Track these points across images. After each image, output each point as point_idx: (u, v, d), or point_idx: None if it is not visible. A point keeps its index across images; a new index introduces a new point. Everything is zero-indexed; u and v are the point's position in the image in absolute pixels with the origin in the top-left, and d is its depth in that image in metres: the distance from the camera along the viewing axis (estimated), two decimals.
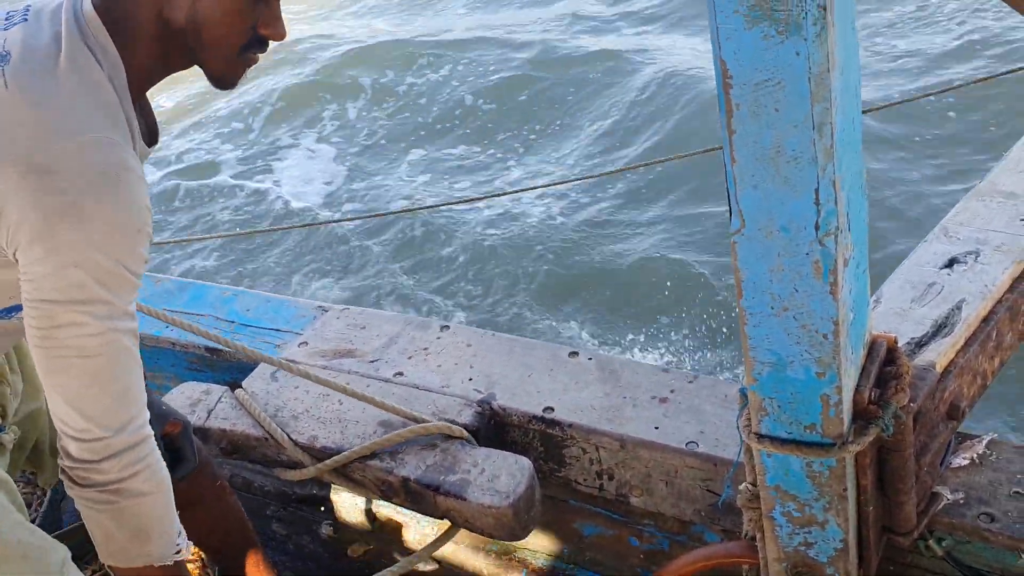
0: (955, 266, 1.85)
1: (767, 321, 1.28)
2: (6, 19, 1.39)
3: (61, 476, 1.37)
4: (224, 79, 1.44)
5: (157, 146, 1.55)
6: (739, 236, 1.22)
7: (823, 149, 1.11)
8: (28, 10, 1.40)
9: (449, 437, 2.06)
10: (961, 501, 1.65)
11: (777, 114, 1.09)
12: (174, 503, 1.45)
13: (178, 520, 1.46)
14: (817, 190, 1.13)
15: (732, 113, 1.13)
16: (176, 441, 1.82)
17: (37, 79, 1.30)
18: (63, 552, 1.57)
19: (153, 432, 1.39)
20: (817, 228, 1.17)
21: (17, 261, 1.27)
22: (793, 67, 1.05)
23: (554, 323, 4.81)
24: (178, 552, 1.46)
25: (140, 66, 1.40)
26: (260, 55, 1.43)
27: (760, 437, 1.42)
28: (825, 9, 1.02)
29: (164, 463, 1.41)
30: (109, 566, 1.44)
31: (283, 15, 1.40)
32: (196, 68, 1.45)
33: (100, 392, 1.29)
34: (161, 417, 1.81)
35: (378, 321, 2.54)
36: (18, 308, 1.45)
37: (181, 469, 1.83)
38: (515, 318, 4.94)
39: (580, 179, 5.81)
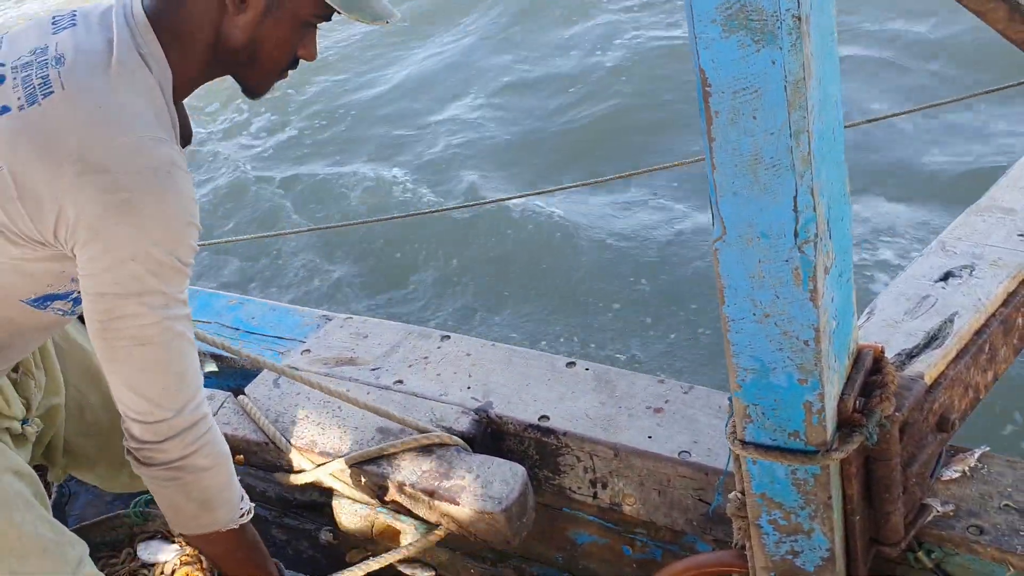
0: (950, 279, 1.86)
1: (749, 327, 1.30)
2: (54, 23, 1.43)
3: (127, 457, 1.45)
4: (258, 91, 1.52)
5: (189, 147, 1.60)
6: (720, 243, 1.24)
7: (800, 156, 1.12)
8: (76, 15, 1.45)
9: (446, 445, 2.08)
10: (951, 513, 1.65)
11: (755, 122, 1.11)
12: (234, 471, 1.53)
13: (239, 485, 1.55)
14: (795, 197, 1.15)
15: (712, 121, 1.15)
16: None
17: (91, 82, 1.34)
18: (81, 548, 1.60)
19: (209, 408, 1.47)
20: (796, 235, 1.18)
21: (75, 256, 1.33)
22: (769, 76, 1.07)
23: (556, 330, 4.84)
24: (242, 515, 1.56)
25: (186, 74, 1.46)
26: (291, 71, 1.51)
27: (744, 444, 1.43)
28: (800, 20, 1.04)
29: (222, 436, 1.49)
30: (183, 535, 1.57)
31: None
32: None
33: (159, 377, 1.37)
34: None
35: (380, 330, 2.56)
36: (54, 298, 1.50)
37: None
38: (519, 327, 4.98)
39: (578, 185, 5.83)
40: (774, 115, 1.09)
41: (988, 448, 1.78)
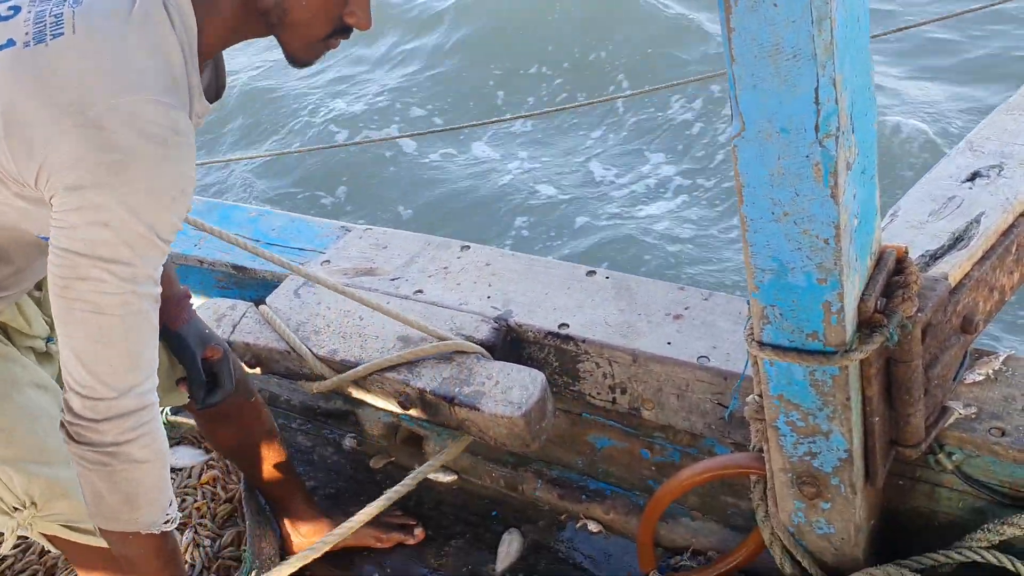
0: (977, 180, 1.81)
1: (767, 227, 1.27)
2: None
3: (60, 431, 1.36)
4: (300, 59, 1.42)
5: (220, 100, 1.53)
6: (739, 139, 1.21)
7: (822, 45, 1.08)
8: None
9: (465, 352, 2.09)
10: (973, 416, 1.64)
11: (775, 9, 1.07)
12: (168, 473, 1.43)
13: (171, 491, 1.44)
14: (817, 89, 1.11)
15: (731, 10, 1.10)
16: (214, 367, 1.85)
17: (105, 29, 1.26)
18: None
19: (157, 400, 1.37)
20: (817, 129, 1.14)
21: (52, 205, 1.27)
22: None
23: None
24: (166, 522, 1.44)
25: (214, 33, 1.37)
26: (343, 40, 1.41)
27: (762, 345, 1.42)
28: None
29: (164, 434, 1.39)
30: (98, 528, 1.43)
31: (370, 5, 1.38)
32: None
33: (109, 351, 1.28)
34: (203, 341, 1.84)
35: (399, 241, 2.55)
36: None
37: (217, 395, 1.86)
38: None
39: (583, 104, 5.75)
40: (795, 0, 1.05)
41: (1013, 351, 1.76)
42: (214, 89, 1.51)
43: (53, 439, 1.51)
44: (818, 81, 1.11)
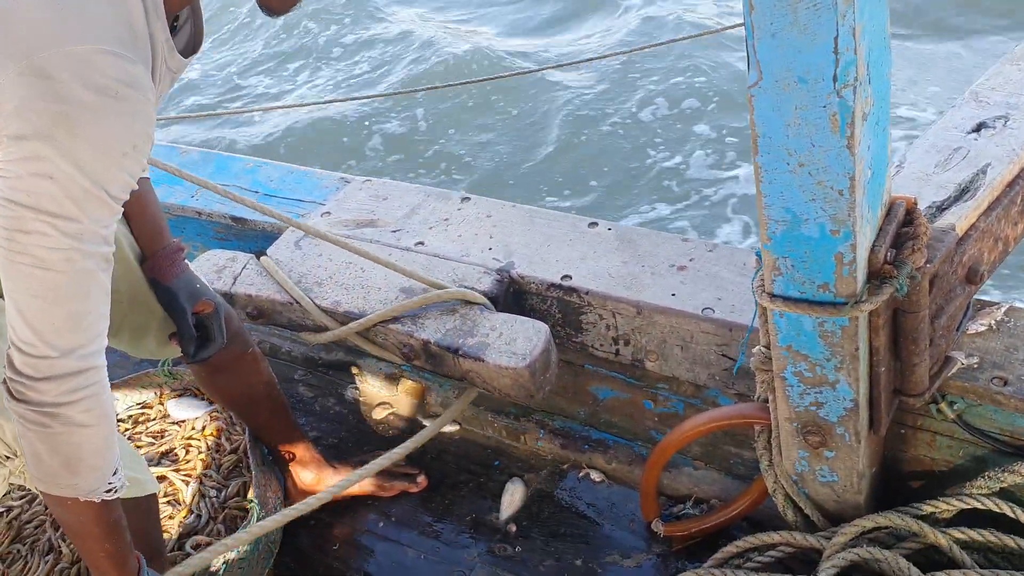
0: (983, 131, 1.81)
1: (782, 178, 1.27)
2: None
3: (1, 387, 1.32)
4: (273, 7, 1.38)
5: (197, 55, 1.47)
6: (756, 89, 1.20)
7: None
8: None
9: (469, 303, 2.09)
10: (975, 365, 1.65)
11: None
12: (115, 440, 1.37)
13: (117, 459, 1.38)
14: (836, 38, 1.10)
15: None
16: (205, 320, 1.85)
17: None
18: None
19: (105, 363, 1.32)
20: (835, 79, 1.14)
21: None
22: None
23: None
24: (109, 491, 1.38)
25: None
26: None
27: (773, 297, 1.43)
28: None
29: (111, 400, 1.34)
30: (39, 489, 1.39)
31: None
32: None
33: (53, 309, 1.23)
34: (194, 295, 1.84)
35: (400, 192, 2.54)
36: None
37: (208, 349, 1.86)
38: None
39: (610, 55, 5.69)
40: None
41: (1016, 301, 1.77)
42: (192, 44, 1.46)
43: None
44: (838, 30, 1.10)
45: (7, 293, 1.25)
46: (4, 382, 1.30)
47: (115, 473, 1.39)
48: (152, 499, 1.77)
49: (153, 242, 1.82)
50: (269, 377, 2.11)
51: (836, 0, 1.07)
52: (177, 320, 1.82)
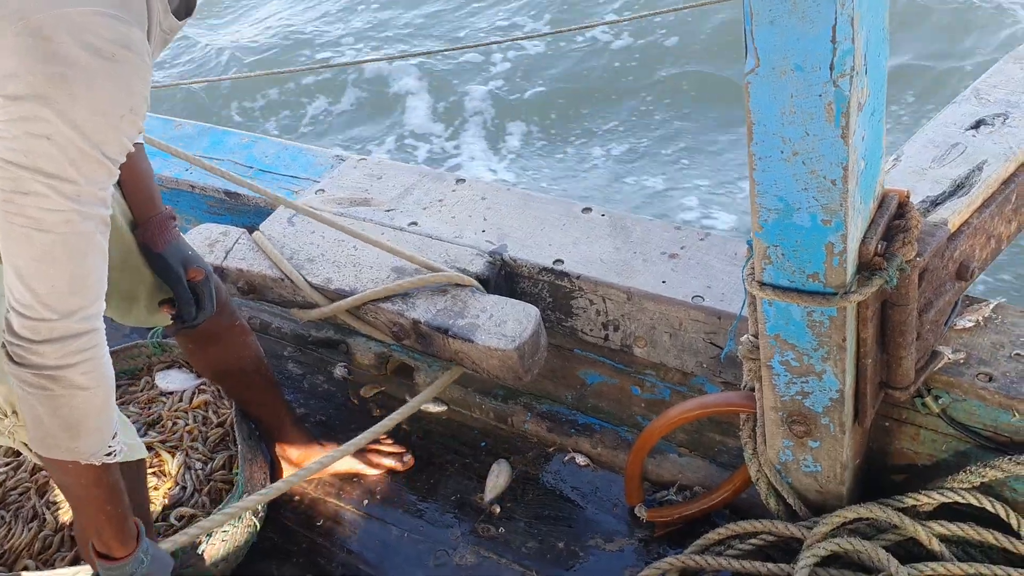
0: (981, 127, 1.81)
1: (776, 166, 1.27)
2: None
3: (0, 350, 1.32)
4: None
5: (191, 17, 1.47)
6: (753, 76, 1.20)
7: None
8: None
9: (460, 285, 2.09)
10: (961, 361, 1.66)
11: None
12: (114, 403, 1.38)
13: (116, 423, 1.40)
14: (834, 27, 1.10)
15: None
16: (197, 288, 1.85)
17: None
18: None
19: (104, 326, 1.32)
20: (832, 68, 1.14)
21: None
22: None
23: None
24: (109, 454, 1.39)
25: None
26: None
27: (763, 285, 1.43)
28: None
29: (110, 362, 1.34)
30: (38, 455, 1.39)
31: None
32: None
33: (52, 271, 1.23)
34: (185, 263, 1.83)
35: (394, 172, 2.53)
36: None
37: (200, 316, 1.86)
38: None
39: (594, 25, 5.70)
40: None
41: (1004, 300, 1.78)
42: (184, 6, 1.45)
43: None
44: (836, 19, 1.10)
45: (5, 256, 1.25)
46: (3, 346, 1.30)
47: (114, 437, 1.40)
48: (141, 465, 1.77)
49: (145, 209, 1.81)
50: (257, 350, 2.11)
51: None
52: (173, 286, 1.82)
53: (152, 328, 2.37)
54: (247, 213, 2.59)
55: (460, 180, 2.47)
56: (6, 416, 1.52)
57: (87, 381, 1.30)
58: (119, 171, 1.28)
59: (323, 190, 2.48)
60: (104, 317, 1.34)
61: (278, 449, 2.19)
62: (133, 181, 1.79)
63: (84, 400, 1.31)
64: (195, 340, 2.02)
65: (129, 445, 1.53)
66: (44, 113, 1.17)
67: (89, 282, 1.27)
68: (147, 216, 1.82)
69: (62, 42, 1.16)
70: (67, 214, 1.21)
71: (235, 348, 2.06)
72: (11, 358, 1.28)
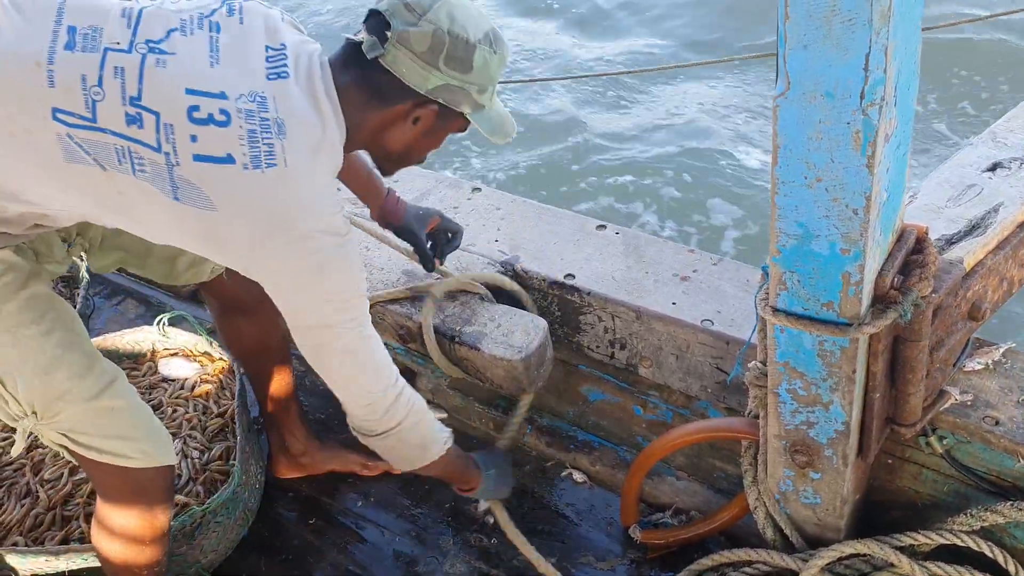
0: (998, 170, 1.81)
1: (799, 191, 1.27)
2: (268, 62, 1.43)
3: (355, 432, 1.72)
4: (388, 174, 1.75)
5: None
6: (782, 99, 1.20)
7: (880, 12, 1.07)
8: (285, 57, 1.45)
9: (470, 292, 2.09)
10: (968, 403, 1.66)
11: None
12: (434, 421, 1.79)
13: (438, 425, 1.80)
14: (868, 55, 1.10)
15: None
16: (433, 236, 2.11)
17: (308, 164, 1.44)
18: (112, 374, 1.62)
19: (404, 383, 1.69)
20: (862, 96, 1.14)
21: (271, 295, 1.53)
22: None
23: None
24: (446, 443, 1.80)
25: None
26: None
27: (776, 311, 1.43)
28: None
29: (418, 399, 1.72)
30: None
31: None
32: None
33: (365, 372, 1.61)
34: (421, 220, 2.05)
35: (411, 176, 2.54)
36: None
37: (450, 247, 2.10)
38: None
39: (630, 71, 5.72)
40: None
41: (1014, 344, 1.78)
42: None
43: (52, 346, 1.53)
44: (870, 47, 1.10)
45: (329, 378, 1.62)
46: (354, 429, 1.72)
47: (441, 431, 1.80)
48: None
49: (376, 198, 2.05)
50: (284, 333, 2.10)
51: (872, 16, 1.07)
52: (414, 244, 2.06)
53: (159, 314, 2.37)
54: None
55: (476, 189, 2.47)
56: (26, 416, 1.55)
57: (415, 419, 1.71)
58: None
59: (340, 189, 2.48)
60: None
61: (279, 440, 2.18)
62: (358, 179, 2.02)
63: (420, 429, 1.74)
64: (227, 309, 2.04)
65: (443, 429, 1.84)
66: (319, 288, 1.50)
67: (384, 362, 1.64)
68: (379, 203, 2.05)
69: (317, 240, 1.45)
70: (357, 333, 1.57)
71: (264, 324, 2.05)
72: (366, 434, 1.70)
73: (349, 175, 2.00)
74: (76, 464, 2.07)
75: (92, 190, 1.41)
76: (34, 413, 1.54)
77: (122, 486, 1.66)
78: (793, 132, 1.22)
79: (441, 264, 2.11)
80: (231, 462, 2.07)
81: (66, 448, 1.60)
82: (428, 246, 2.08)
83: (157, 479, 1.68)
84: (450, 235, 2.09)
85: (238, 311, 2.00)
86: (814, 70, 1.15)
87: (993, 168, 1.82)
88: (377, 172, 2.00)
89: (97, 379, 1.58)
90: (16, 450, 1.63)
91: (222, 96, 1.38)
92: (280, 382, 2.11)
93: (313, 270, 1.48)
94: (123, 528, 1.69)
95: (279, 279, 1.50)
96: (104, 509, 1.69)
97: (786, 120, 1.21)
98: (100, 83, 1.35)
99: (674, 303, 1.99)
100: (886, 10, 1.08)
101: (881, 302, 1.39)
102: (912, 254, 1.43)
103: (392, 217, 2.06)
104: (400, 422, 1.68)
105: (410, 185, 2.48)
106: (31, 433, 1.59)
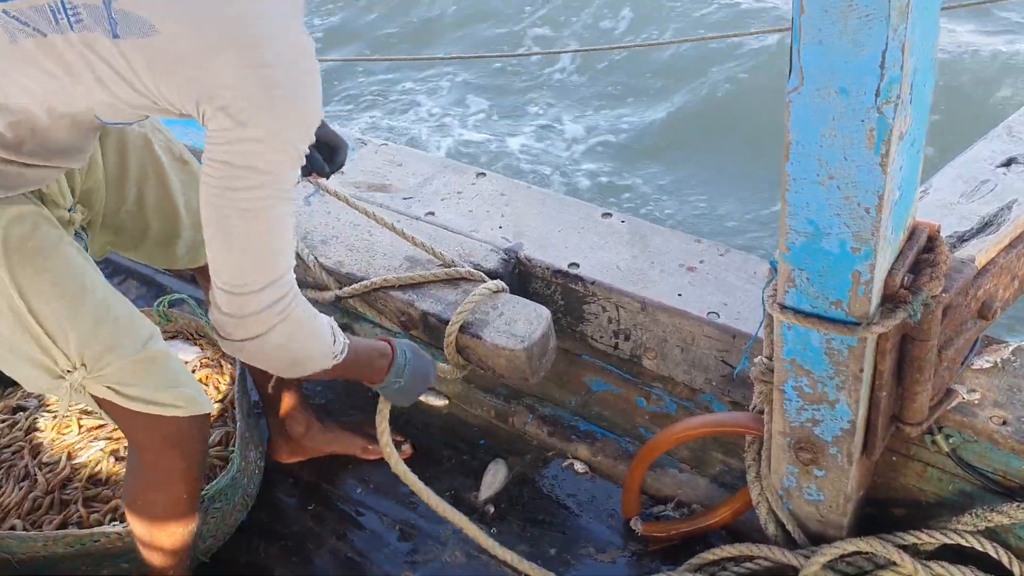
0: (1012, 166, 1.78)
1: (810, 188, 1.24)
2: None
3: (211, 332, 1.52)
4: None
5: None
6: (795, 94, 1.17)
7: (898, 8, 1.04)
8: None
9: (473, 280, 2.06)
10: (976, 402, 1.63)
11: None
12: (321, 331, 1.54)
13: (328, 340, 1.57)
14: (885, 52, 1.07)
15: None
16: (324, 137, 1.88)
17: None
18: (151, 327, 1.62)
19: (294, 281, 1.47)
20: (878, 94, 1.11)
21: (206, 124, 1.32)
22: None
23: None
24: (335, 357, 1.59)
25: None
26: None
27: (784, 308, 1.40)
28: None
29: (306, 308, 1.49)
30: None
31: None
32: None
33: (258, 250, 1.38)
34: None
35: (415, 160, 2.51)
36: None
37: (338, 156, 1.91)
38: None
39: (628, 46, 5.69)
40: None
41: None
42: None
43: (96, 296, 1.53)
44: (887, 44, 1.07)
45: (212, 242, 1.39)
46: (212, 328, 1.48)
47: (336, 342, 1.59)
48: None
49: None
50: None
51: (890, 12, 1.04)
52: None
53: (160, 296, 2.35)
54: None
55: (481, 174, 2.44)
56: (76, 368, 1.53)
57: (285, 339, 1.46)
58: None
59: (342, 172, 2.45)
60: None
61: (279, 424, 2.17)
62: None
63: (292, 350, 1.50)
64: None
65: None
66: (261, 126, 1.30)
67: (285, 254, 1.42)
68: None
69: (275, 62, 1.29)
70: (271, 201, 1.35)
71: None
72: (223, 336, 1.46)
73: None
74: (77, 447, 2.07)
75: (42, 65, 1.33)
76: (83, 366, 1.52)
77: (163, 439, 1.64)
78: (806, 128, 1.19)
79: (326, 179, 1.96)
80: (230, 448, 2.05)
81: (109, 402, 1.57)
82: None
83: (196, 428, 1.67)
84: (331, 149, 1.89)
85: None
86: (829, 66, 1.12)
87: (1008, 163, 1.79)
88: None
89: (140, 330, 1.58)
90: (64, 407, 1.64)
91: None
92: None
93: (261, 103, 1.29)
94: (162, 485, 1.68)
95: (226, 109, 1.29)
96: (140, 469, 1.69)
97: (799, 116, 1.18)
98: None
99: (680, 294, 1.97)
100: (905, 6, 1.05)
101: (891, 301, 1.37)
102: (923, 252, 1.41)
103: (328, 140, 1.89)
104: (263, 335, 1.43)
105: (413, 169, 2.45)
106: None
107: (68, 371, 1.52)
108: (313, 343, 1.54)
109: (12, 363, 1.53)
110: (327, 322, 1.58)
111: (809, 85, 1.15)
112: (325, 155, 1.88)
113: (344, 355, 1.62)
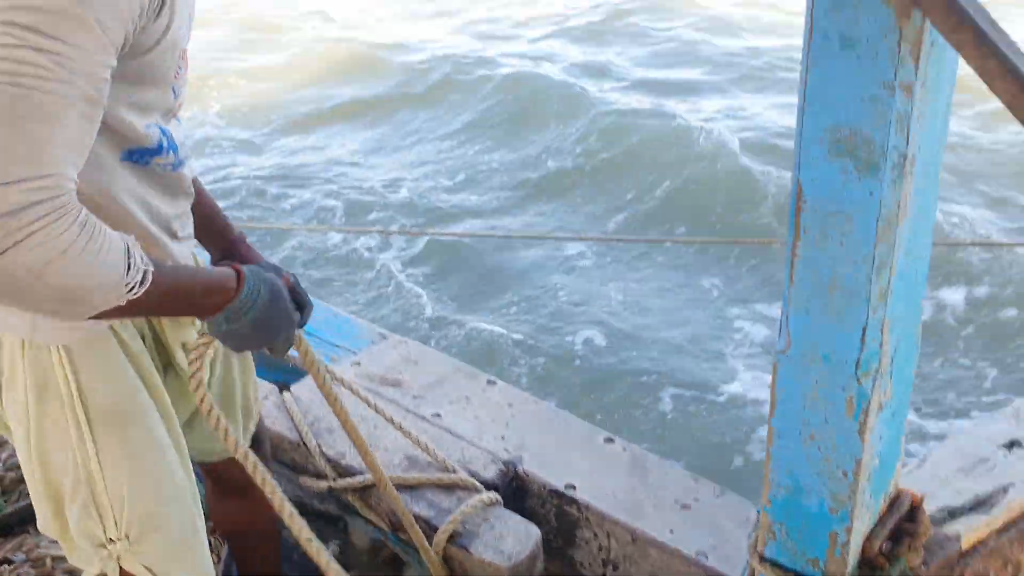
0: (1015, 449, 1.80)
1: (793, 445, 1.28)
2: None
3: None
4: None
5: None
6: (783, 356, 1.24)
7: (878, 290, 1.12)
8: None
9: (469, 489, 2.08)
10: None
11: (841, 248, 1.12)
12: (105, 256, 1.11)
13: (120, 261, 1.14)
14: (864, 328, 1.14)
15: (800, 237, 1.15)
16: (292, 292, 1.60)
17: None
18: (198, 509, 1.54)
19: (73, 188, 1.09)
20: (857, 366, 1.17)
21: None
22: (865, 206, 1.08)
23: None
24: (131, 289, 1.15)
25: None
26: None
27: (763, 560, 1.41)
28: (906, 159, 1.05)
29: (93, 227, 1.10)
30: None
31: None
32: None
33: (7, 131, 1.03)
34: (276, 271, 1.58)
35: (430, 360, 2.59)
36: (150, 152, 1.32)
37: (306, 313, 1.64)
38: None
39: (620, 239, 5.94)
40: (861, 245, 1.09)
41: None
42: None
43: (173, 475, 1.48)
44: (867, 322, 1.14)
45: None
46: None
47: (130, 270, 1.15)
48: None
49: (226, 231, 1.69)
50: (276, 518, 2.06)
51: (870, 294, 1.12)
52: None
53: None
54: (282, 369, 2.64)
55: (491, 382, 2.51)
56: (119, 540, 1.44)
57: (40, 262, 1.04)
58: (116, 48, 1.13)
59: (359, 363, 2.54)
60: None
61: None
62: (202, 205, 1.63)
63: (52, 277, 1.06)
64: (221, 486, 2.00)
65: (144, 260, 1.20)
66: None
67: (57, 150, 1.06)
68: (230, 238, 1.70)
69: None
70: (38, 68, 1.03)
71: (257, 506, 1.99)
72: None
73: (200, 207, 1.59)
74: None
75: None
76: (126, 537, 1.43)
77: None
78: (790, 388, 1.25)
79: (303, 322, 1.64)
80: None
81: None
82: None
83: None
84: (303, 293, 1.61)
85: (232, 491, 1.99)
86: (814, 334, 1.19)
87: (1010, 445, 1.82)
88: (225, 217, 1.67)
89: (193, 504, 1.52)
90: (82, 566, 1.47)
91: None
92: (266, 566, 2.09)
93: None
94: None
95: None
96: None
97: (784, 376, 1.24)
98: None
99: (672, 531, 1.97)
100: (884, 289, 1.13)
101: (868, 566, 1.37)
102: (905, 521, 1.42)
103: (247, 260, 1.64)
104: (8, 248, 1.02)
105: (428, 369, 2.52)
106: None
107: (112, 541, 1.43)
108: (94, 269, 1.09)
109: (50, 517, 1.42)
110: (122, 245, 1.14)
111: (795, 349, 1.22)
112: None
113: (146, 287, 1.16)
